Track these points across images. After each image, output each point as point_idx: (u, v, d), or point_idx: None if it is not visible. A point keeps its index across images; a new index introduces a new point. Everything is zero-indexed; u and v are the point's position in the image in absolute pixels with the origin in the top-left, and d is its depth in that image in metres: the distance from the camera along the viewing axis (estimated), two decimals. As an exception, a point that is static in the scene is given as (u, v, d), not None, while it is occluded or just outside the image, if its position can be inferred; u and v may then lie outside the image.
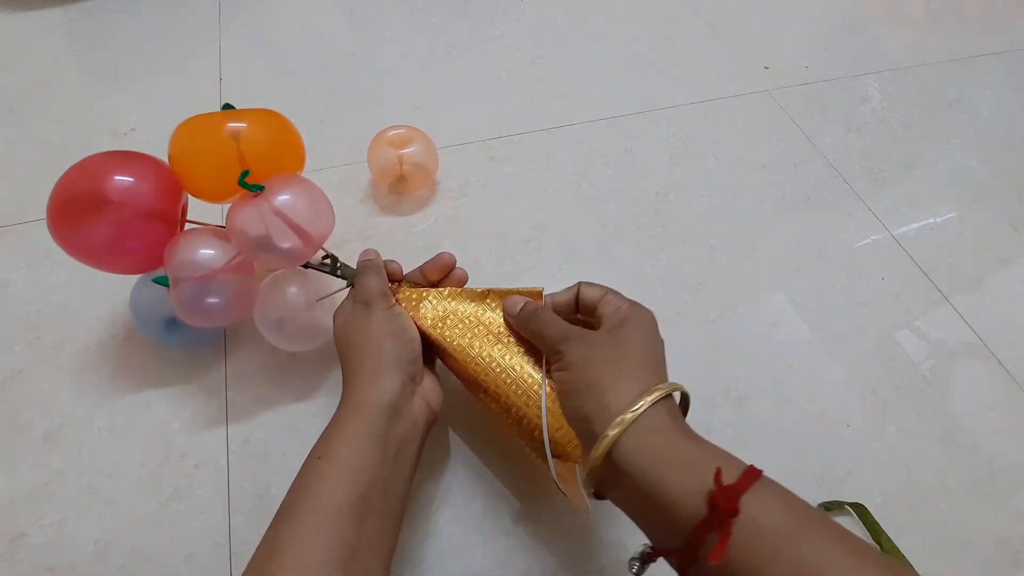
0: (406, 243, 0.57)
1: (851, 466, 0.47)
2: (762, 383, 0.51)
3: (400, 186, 0.59)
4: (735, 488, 0.26)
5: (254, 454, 0.45)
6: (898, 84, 0.77)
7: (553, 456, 0.36)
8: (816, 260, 0.59)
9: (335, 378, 0.48)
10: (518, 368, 0.39)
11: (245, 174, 0.40)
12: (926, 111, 0.74)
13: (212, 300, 0.40)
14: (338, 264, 0.45)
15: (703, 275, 0.57)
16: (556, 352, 0.36)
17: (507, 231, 0.59)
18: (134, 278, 0.46)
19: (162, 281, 0.41)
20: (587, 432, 0.32)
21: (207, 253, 0.40)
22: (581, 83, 0.73)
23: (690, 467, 0.28)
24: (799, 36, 0.83)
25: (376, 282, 0.41)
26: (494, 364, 0.39)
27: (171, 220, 0.42)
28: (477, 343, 0.40)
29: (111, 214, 0.39)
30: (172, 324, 0.45)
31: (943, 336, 0.55)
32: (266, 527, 0.42)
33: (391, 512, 0.35)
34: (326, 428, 0.36)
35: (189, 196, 0.45)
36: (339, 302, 0.44)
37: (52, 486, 0.43)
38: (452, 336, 0.40)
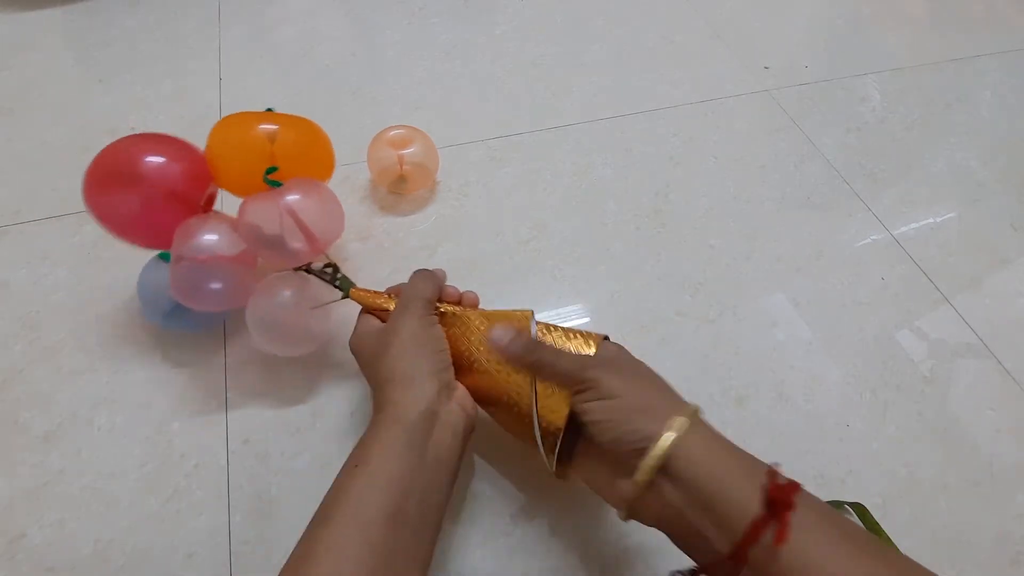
0: (406, 243, 0.57)
1: (851, 466, 0.47)
2: (762, 383, 0.51)
3: (400, 186, 0.59)
4: (789, 486, 0.28)
5: (254, 454, 0.45)
6: (898, 84, 0.77)
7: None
8: (816, 260, 0.59)
9: (335, 378, 0.48)
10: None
11: (271, 170, 0.42)
12: (926, 111, 0.74)
13: (210, 284, 0.41)
14: (338, 275, 0.45)
15: (703, 275, 0.57)
16: (585, 381, 0.34)
17: (507, 231, 0.59)
18: (133, 273, 0.46)
19: (166, 257, 0.42)
20: (636, 452, 0.32)
21: (214, 239, 0.41)
22: (581, 83, 0.73)
23: (744, 471, 0.30)
24: (799, 36, 0.83)
25: (427, 287, 0.41)
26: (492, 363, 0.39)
27: (192, 204, 0.44)
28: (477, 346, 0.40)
29: (141, 187, 0.42)
30: (176, 309, 0.45)
31: (943, 336, 0.55)
32: (266, 527, 0.42)
33: (427, 523, 0.34)
34: (363, 436, 0.36)
35: (219, 189, 0.47)
36: (329, 323, 0.45)
37: (52, 486, 0.43)
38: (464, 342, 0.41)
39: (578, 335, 0.39)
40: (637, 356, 0.51)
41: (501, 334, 0.37)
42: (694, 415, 0.33)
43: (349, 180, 0.61)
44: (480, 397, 0.40)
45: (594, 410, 0.34)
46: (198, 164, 0.45)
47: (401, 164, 0.57)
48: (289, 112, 0.46)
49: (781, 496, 0.27)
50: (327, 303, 0.45)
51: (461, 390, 0.39)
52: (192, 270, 0.40)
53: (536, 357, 0.37)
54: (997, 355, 0.54)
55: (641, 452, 0.31)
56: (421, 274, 0.42)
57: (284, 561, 0.34)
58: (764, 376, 0.51)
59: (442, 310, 0.42)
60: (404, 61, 0.74)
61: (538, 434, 0.37)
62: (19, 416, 0.46)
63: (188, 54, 0.73)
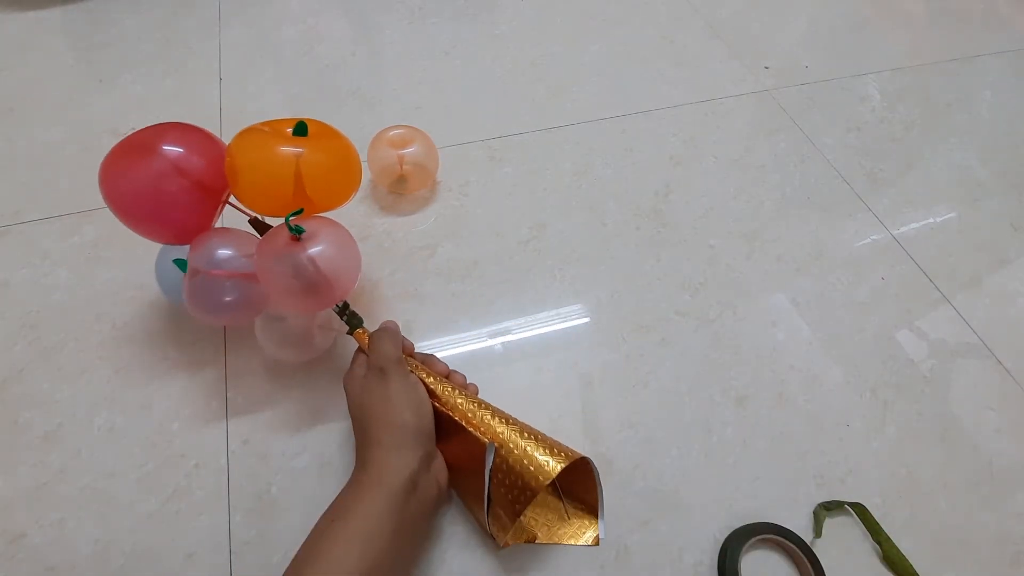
0: (406, 243, 0.57)
1: (851, 466, 0.47)
2: (762, 383, 0.51)
3: (400, 186, 0.59)
4: None
5: (254, 454, 0.45)
6: (898, 84, 0.77)
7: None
8: (816, 260, 0.59)
9: (335, 379, 0.48)
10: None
11: (296, 213, 0.39)
12: (926, 111, 0.74)
13: (224, 299, 0.40)
14: (347, 311, 0.44)
15: (703, 275, 0.57)
16: None
17: (507, 231, 0.59)
18: (133, 273, 0.46)
19: (180, 265, 0.41)
20: None
21: (231, 254, 0.40)
22: (581, 83, 0.73)
23: None
24: (799, 36, 0.83)
25: (392, 348, 0.41)
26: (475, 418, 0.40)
27: (214, 196, 0.42)
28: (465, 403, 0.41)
29: (157, 165, 0.40)
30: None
31: (943, 336, 0.55)
32: (266, 527, 0.42)
33: None
34: (341, 492, 0.36)
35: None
36: (331, 338, 0.46)
37: (52, 486, 0.43)
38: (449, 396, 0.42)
39: (549, 450, 0.38)
40: (637, 356, 0.51)
41: None
42: None
43: (349, 180, 0.61)
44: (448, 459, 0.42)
45: None
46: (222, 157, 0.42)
47: (401, 164, 0.57)
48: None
49: None
50: (334, 330, 0.45)
51: (439, 461, 0.40)
52: (208, 284, 0.40)
53: None
54: (997, 355, 0.54)
55: None
56: (383, 335, 0.42)
57: (284, 561, 0.34)
58: (764, 376, 0.51)
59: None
60: (404, 61, 0.74)
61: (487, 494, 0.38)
62: (19, 416, 0.46)
63: (188, 54, 0.73)
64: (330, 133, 0.44)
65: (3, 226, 0.56)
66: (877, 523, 0.44)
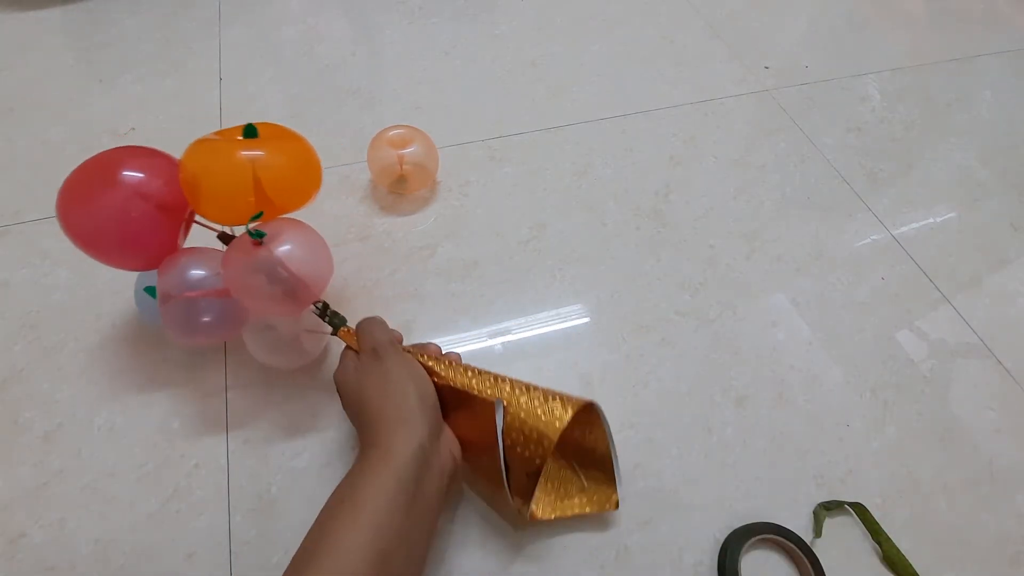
0: (406, 242, 0.57)
1: (851, 466, 0.47)
2: (762, 383, 0.51)
3: (400, 186, 0.59)
4: None
5: (254, 454, 0.45)
6: (898, 84, 0.77)
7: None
8: (816, 260, 0.59)
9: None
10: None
11: (256, 217, 0.38)
12: (926, 111, 0.74)
13: (202, 320, 0.40)
14: (328, 311, 0.43)
15: (703, 275, 0.57)
16: None
17: (507, 231, 0.59)
18: (133, 273, 0.46)
19: (151, 292, 0.40)
20: None
21: (201, 274, 0.40)
22: (581, 83, 0.73)
23: None
24: (799, 36, 0.83)
25: (381, 332, 0.40)
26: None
27: (177, 216, 0.41)
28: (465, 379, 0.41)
29: (119, 193, 0.38)
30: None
31: (943, 336, 0.55)
32: (266, 527, 0.42)
33: (412, 568, 0.34)
34: (350, 471, 0.35)
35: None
36: (322, 343, 0.45)
37: (52, 486, 0.43)
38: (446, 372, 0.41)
39: (556, 398, 0.38)
40: (637, 356, 0.51)
41: None
42: None
43: (349, 180, 0.61)
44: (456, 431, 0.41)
45: None
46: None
47: (401, 164, 0.57)
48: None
49: None
50: (320, 332, 0.45)
51: (448, 433, 0.39)
52: (182, 308, 0.39)
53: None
54: (997, 355, 0.54)
55: None
56: (369, 322, 0.42)
57: (284, 561, 0.34)
58: (764, 376, 0.51)
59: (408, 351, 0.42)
60: (404, 61, 0.74)
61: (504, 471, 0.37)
62: (19, 416, 0.46)
63: (188, 54, 0.73)
64: (284, 134, 0.43)
65: (3, 226, 0.56)
66: (877, 523, 0.44)
